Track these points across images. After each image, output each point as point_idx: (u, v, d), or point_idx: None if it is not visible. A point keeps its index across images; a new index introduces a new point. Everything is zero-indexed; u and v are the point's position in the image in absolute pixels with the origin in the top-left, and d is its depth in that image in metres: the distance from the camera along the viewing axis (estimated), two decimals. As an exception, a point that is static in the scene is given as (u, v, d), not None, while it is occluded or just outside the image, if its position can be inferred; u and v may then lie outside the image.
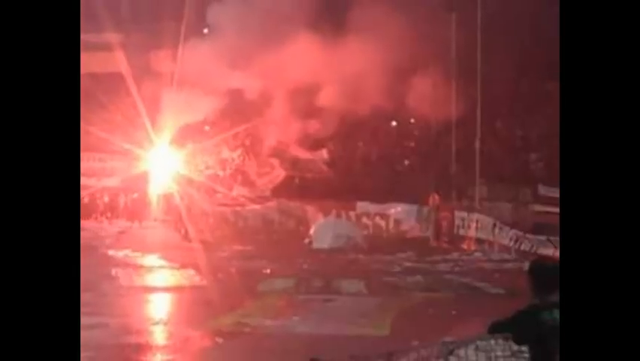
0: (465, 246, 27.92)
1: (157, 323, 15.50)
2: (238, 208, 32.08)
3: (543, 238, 24.65)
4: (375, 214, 31.21)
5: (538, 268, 6.02)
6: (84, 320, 12.95)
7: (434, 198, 29.76)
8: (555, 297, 5.68)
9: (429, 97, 31.10)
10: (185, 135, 33.89)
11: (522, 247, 25.47)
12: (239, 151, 34.64)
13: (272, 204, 32.24)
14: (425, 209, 30.16)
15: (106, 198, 34.51)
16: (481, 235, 27.77)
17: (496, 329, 6.03)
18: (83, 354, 11.15)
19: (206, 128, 35.11)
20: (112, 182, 34.16)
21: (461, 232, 28.77)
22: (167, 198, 32.94)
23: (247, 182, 33.98)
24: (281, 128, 33.62)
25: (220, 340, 14.08)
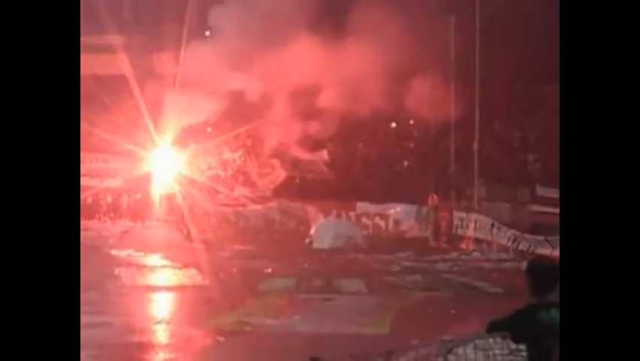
0: (464, 246, 27.92)
1: (159, 322, 15.57)
2: (239, 208, 32.08)
3: (541, 237, 24.69)
4: (375, 214, 31.18)
5: (536, 268, 6.04)
6: (88, 319, 13.25)
7: (433, 199, 29.71)
8: (552, 296, 5.72)
9: (428, 99, 31.00)
10: (187, 136, 33.89)
11: (520, 247, 25.49)
12: (240, 152, 34.57)
13: (273, 204, 32.22)
14: (424, 209, 30.11)
15: (109, 199, 34.49)
16: (480, 235, 27.76)
17: (495, 328, 6.06)
18: (86, 353, 11.44)
19: (208, 129, 35.04)
20: (115, 182, 34.13)
21: (460, 231, 28.75)
22: (170, 199, 32.90)
23: (248, 182, 33.90)
24: (282, 130, 33.56)
25: (221, 339, 14.15)
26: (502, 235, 26.80)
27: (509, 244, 26.20)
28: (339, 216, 30.85)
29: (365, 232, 29.95)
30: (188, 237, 28.94)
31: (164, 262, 24.00)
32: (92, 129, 28.75)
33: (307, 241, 28.31)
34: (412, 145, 36.42)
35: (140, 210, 34.11)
